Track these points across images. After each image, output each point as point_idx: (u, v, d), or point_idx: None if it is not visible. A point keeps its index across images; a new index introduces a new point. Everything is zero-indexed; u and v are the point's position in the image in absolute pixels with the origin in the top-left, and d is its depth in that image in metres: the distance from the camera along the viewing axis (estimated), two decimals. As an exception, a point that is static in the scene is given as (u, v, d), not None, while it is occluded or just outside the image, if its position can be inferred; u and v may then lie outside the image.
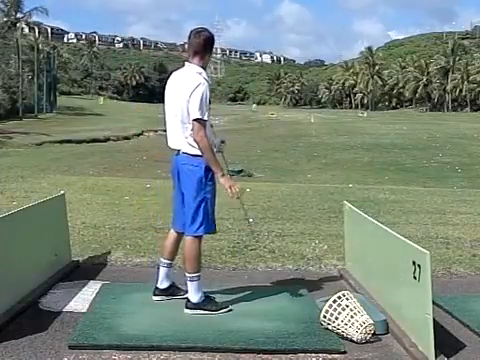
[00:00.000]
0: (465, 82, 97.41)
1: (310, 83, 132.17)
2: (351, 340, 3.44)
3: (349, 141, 33.01)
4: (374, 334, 3.49)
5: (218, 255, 5.39)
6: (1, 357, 3.12)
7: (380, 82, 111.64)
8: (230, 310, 3.86)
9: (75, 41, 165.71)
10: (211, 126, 3.90)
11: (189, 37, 3.85)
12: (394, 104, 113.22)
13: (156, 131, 41.14)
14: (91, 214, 7.23)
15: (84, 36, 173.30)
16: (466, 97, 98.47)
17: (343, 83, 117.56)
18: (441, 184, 17.26)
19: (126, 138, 35.92)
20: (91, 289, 4.33)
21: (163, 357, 3.20)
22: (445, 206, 8.86)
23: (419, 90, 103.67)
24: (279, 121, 55.07)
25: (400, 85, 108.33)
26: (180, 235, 3.99)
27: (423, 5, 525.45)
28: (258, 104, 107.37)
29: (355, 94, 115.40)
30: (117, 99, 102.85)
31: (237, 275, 4.94)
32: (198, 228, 3.81)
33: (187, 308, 3.85)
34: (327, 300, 3.61)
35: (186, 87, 3.72)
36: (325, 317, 3.54)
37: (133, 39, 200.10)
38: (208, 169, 3.77)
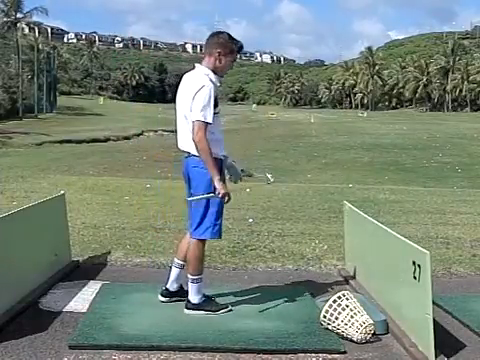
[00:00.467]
0: (465, 82, 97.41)
1: (310, 83, 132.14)
2: (351, 340, 3.44)
3: (349, 141, 33.01)
4: (374, 334, 3.49)
5: (218, 255, 5.39)
6: (1, 357, 3.12)
7: (380, 82, 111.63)
8: (230, 310, 3.86)
9: (75, 41, 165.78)
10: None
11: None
12: (394, 104, 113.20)
13: (156, 131, 41.22)
14: (91, 214, 7.23)
15: (84, 36, 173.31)
16: (466, 97, 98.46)
17: (343, 83, 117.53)
18: (441, 184, 17.26)
19: (126, 138, 35.96)
20: (91, 289, 4.33)
21: (163, 357, 3.19)
22: (445, 206, 8.86)
23: (419, 90, 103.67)
24: (279, 121, 55.09)
25: (400, 85, 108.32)
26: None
27: (423, 5, 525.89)
28: (258, 104, 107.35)
29: (355, 94, 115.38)
30: (117, 99, 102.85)
31: (237, 275, 4.94)
32: (203, 232, 3.77)
33: (187, 308, 3.84)
34: (327, 300, 3.61)
35: (191, 88, 3.69)
36: (325, 317, 3.53)
37: (133, 39, 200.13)
38: (218, 173, 3.73)
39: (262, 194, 9.76)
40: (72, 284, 4.45)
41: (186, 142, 3.78)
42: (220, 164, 3.79)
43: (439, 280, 4.75)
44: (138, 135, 38.81)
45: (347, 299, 3.55)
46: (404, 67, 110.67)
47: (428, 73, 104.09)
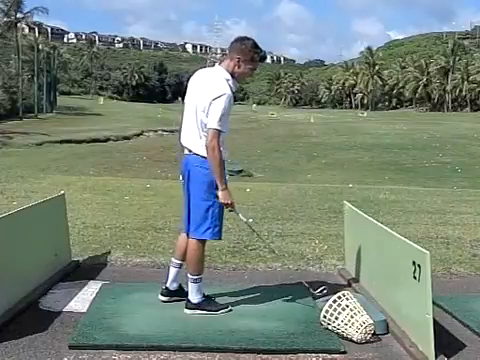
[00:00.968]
0: (465, 82, 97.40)
1: (310, 83, 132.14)
2: (351, 340, 3.44)
3: (349, 141, 33.03)
4: (374, 334, 3.49)
5: (218, 255, 5.39)
6: (1, 357, 3.12)
7: (380, 82, 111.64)
8: (230, 310, 3.86)
9: (75, 41, 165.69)
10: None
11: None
12: (394, 104, 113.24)
13: (156, 131, 41.17)
14: (91, 214, 7.23)
15: (84, 36, 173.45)
16: (466, 97, 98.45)
17: (343, 83, 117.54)
18: (441, 184, 17.26)
19: (126, 138, 35.93)
20: (91, 289, 4.33)
21: (163, 357, 3.19)
22: (445, 206, 8.86)
23: (419, 90, 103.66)
24: (279, 121, 55.09)
25: (400, 85, 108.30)
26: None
27: (422, 5, 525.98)
28: (258, 104, 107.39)
29: (355, 94, 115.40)
30: (117, 99, 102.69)
31: (237, 275, 4.94)
32: (204, 232, 3.76)
33: (187, 308, 3.84)
34: (327, 300, 3.61)
35: (210, 91, 3.64)
36: (325, 317, 3.53)
37: (133, 39, 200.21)
38: (224, 183, 3.72)
39: (262, 194, 9.76)
40: (72, 284, 4.45)
41: (191, 139, 3.75)
42: (224, 165, 3.79)
43: (439, 280, 4.75)
44: (138, 135, 38.77)
45: (347, 299, 3.55)
46: (404, 67, 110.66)
47: (428, 73, 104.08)
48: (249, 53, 3.74)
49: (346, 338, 3.46)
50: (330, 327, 3.53)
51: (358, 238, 4.59)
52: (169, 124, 39.29)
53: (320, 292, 3.93)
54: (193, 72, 4.02)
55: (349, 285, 4.56)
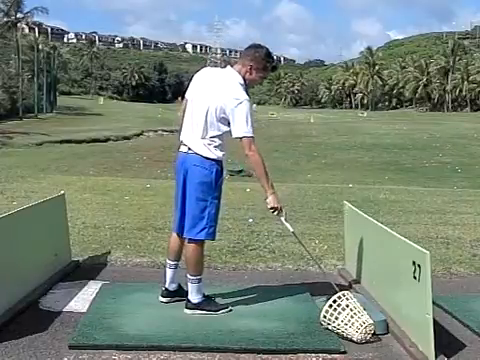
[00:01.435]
0: (465, 82, 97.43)
1: (310, 83, 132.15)
2: (351, 340, 3.44)
3: (349, 141, 33.03)
4: (374, 334, 3.48)
5: (218, 255, 5.39)
6: (1, 357, 3.12)
7: (380, 82, 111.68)
8: (230, 310, 3.86)
9: (75, 41, 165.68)
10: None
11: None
12: (394, 104, 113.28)
13: (156, 131, 41.17)
14: (91, 214, 7.23)
15: (84, 36, 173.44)
16: (466, 97, 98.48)
17: (343, 83, 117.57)
18: (441, 184, 17.26)
19: (126, 138, 35.92)
20: (91, 289, 4.33)
21: (163, 357, 3.19)
22: (445, 206, 8.85)
23: (419, 90, 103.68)
24: (279, 121, 55.10)
25: (400, 85, 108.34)
26: (180, 235, 3.96)
27: (422, 5, 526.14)
28: (258, 104, 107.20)
29: (355, 94, 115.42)
30: (117, 99, 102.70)
31: (237, 275, 4.94)
32: (199, 232, 3.74)
33: (187, 308, 3.84)
34: (327, 300, 3.61)
35: (227, 97, 3.62)
36: (325, 317, 3.53)
37: (133, 39, 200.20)
38: (219, 174, 3.72)
39: (262, 194, 9.74)
40: (72, 284, 4.45)
41: (192, 137, 3.73)
42: (222, 165, 3.78)
43: (439, 280, 4.75)
44: (138, 135, 38.76)
45: (347, 299, 3.55)
46: (404, 67, 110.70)
47: (428, 73, 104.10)
48: (262, 61, 3.76)
49: (346, 338, 3.46)
50: (330, 327, 3.53)
51: (358, 238, 4.59)
52: (169, 124, 39.28)
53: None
54: (195, 72, 4.00)
55: (349, 285, 4.56)
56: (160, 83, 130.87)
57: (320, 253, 5.59)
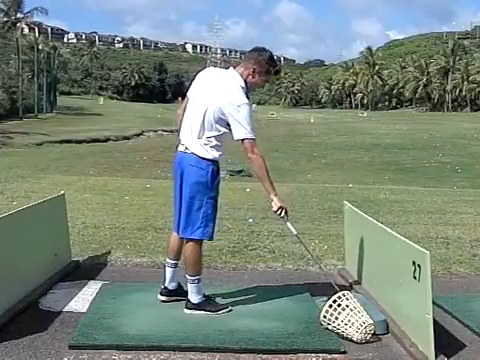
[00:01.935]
0: (465, 82, 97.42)
1: (310, 83, 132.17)
2: (351, 340, 3.44)
3: (349, 141, 33.04)
4: (374, 334, 3.48)
5: (218, 255, 5.39)
6: (1, 357, 3.12)
7: (380, 82, 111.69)
8: (230, 310, 3.86)
9: (75, 41, 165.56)
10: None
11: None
12: (394, 104, 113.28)
13: (156, 131, 41.20)
14: (91, 214, 7.23)
15: (84, 36, 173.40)
16: (466, 97, 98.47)
17: (343, 83, 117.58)
18: (441, 184, 17.27)
19: (126, 138, 35.94)
20: (91, 289, 4.33)
21: (163, 357, 3.19)
22: (445, 206, 8.86)
23: (419, 90, 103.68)
24: (279, 121, 55.11)
25: (400, 85, 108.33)
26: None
27: (421, 5, 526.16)
28: (258, 104, 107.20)
29: (355, 94, 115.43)
30: (117, 99, 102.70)
31: (237, 275, 4.93)
32: (194, 231, 3.74)
33: (187, 308, 3.84)
34: (327, 300, 3.61)
35: (227, 99, 3.63)
36: (325, 317, 3.53)
37: (133, 39, 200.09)
38: (215, 174, 3.72)
39: (262, 194, 9.73)
40: (72, 284, 4.45)
41: (190, 137, 3.73)
42: (218, 165, 3.79)
43: (439, 280, 4.75)
44: (138, 135, 38.78)
45: (347, 299, 3.55)
46: (404, 67, 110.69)
47: (428, 73, 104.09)
48: (265, 65, 3.77)
49: (346, 338, 3.46)
50: (330, 327, 3.53)
51: (358, 238, 4.59)
52: (169, 124, 39.22)
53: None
54: (195, 72, 4.01)
55: (349, 285, 4.56)
56: (160, 83, 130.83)
57: (320, 253, 5.59)
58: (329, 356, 3.26)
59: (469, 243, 6.16)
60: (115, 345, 3.27)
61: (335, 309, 3.51)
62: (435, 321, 3.25)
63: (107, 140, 33.95)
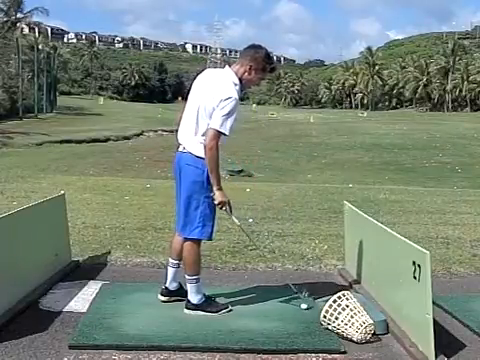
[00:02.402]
0: (465, 82, 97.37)
1: (310, 83, 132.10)
2: (351, 340, 3.44)
3: (349, 141, 33.04)
4: (374, 334, 3.49)
5: (218, 255, 5.39)
6: (1, 357, 3.12)
7: (380, 82, 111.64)
8: (230, 310, 3.86)
9: (75, 41, 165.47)
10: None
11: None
12: (394, 104, 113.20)
13: (156, 131, 41.20)
14: (91, 214, 7.23)
15: (84, 36, 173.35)
16: (466, 97, 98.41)
17: (343, 83, 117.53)
18: (441, 184, 17.28)
19: (126, 138, 35.93)
20: (91, 289, 4.33)
21: (163, 357, 3.19)
22: (445, 206, 8.86)
23: (419, 90, 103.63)
24: (279, 121, 55.10)
25: (400, 85, 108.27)
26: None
27: (421, 5, 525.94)
28: (258, 104, 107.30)
29: (355, 94, 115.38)
30: (117, 99, 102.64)
31: (237, 275, 4.94)
32: (192, 231, 3.76)
33: (187, 308, 3.84)
34: (327, 300, 3.61)
35: (217, 92, 3.65)
36: (325, 317, 3.53)
37: (133, 39, 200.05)
38: (219, 182, 3.72)
39: (262, 194, 9.77)
40: (72, 284, 4.45)
41: (186, 136, 3.76)
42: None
43: (439, 280, 4.75)
44: (138, 135, 38.77)
45: (347, 299, 3.55)
46: (404, 67, 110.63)
47: (428, 73, 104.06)
48: (262, 62, 3.78)
49: (346, 338, 3.46)
50: (330, 327, 3.53)
51: (358, 238, 4.59)
52: (169, 124, 39.23)
53: (300, 292, 3.96)
54: (195, 72, 4.04)
55: (349, 285, 4.56)
56: (160, 83, 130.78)
57: (320, 253, 5.59)
58: (329, 356, 3.26)
59: (469, 243, 6.16)
60: (115, 345, 3.27)
61: (335, 309, 3.51)
62: (435, 321, 3.25)
63: (107, 140, 33.94)
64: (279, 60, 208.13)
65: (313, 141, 33.56)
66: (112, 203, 8.28)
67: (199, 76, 3.91)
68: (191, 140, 3.73)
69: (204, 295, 3.88)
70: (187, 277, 3.82)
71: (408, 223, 7.19)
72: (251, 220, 7.03)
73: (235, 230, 6.38)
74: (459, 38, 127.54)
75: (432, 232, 6.64)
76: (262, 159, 25.46)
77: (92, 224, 6.60)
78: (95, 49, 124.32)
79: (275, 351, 3.27)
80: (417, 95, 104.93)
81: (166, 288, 4.03)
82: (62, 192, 5.26)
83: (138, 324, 3.59)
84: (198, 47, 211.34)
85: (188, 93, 3.93)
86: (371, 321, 3.47)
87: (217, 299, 3.97)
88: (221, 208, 3.78)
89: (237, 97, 3.65)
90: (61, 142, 30.94)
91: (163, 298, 4.02)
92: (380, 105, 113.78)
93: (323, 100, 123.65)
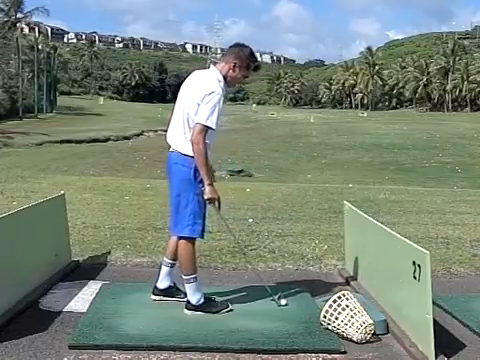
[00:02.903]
0: (465, 82, 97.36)
1: (310, 83, 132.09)
2: (351, 340, 3.44)
3: (349, 141, 33.04)
4: (374, 334, 3.49)
5: (218, 255, 5.39)
6: (1, 357, 3.12)
7: (380, 82, 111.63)
8: (231, 310, 3.86)
9: (75, 41, 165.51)
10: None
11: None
12: (394, 104, 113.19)
13: (156, 131, 41.18)
14: (91, 214, 7.23)
15: (84, 36, 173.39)
16: (466, 97, 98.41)
17: (343, 83, 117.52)
18: (441, 184, 17.29)
19: (126, 138, 35.96)
20: (91, 289, 4.33)
21: (163, 357, 3.20)
22: (445, 206, 8.86)
23: (419, 90, 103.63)
24: (279, 121, 55.09)
25: (400, 85, 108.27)
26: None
27: (420, 5, 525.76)
28: (258, 104, 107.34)
29: (355, 94, 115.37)
30: (117, 99, 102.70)
31: (237, 275, 4.94)
32: (182, 229, 3.78)
33: (187, 309, 3.84)
34: (327, 300, 3.61)
35: (200, 89, 3.70)
36: (325, 317, 3.54)
37: (133, 39, 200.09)
38: (198, 171, 3.73)
39: (262, 194, 9.77)
40: (72, 284, 4.45)
41: (174, 136, 3.83)
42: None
43: (439, 280, 4.75)
44: (138, 135, 38.79)
45: (347, 299, 3.55)
46: (404, 67, 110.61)
47: (428, 73, 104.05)
48: (246, 60, 3.84)
49: (346, 338, 3.46)
50: (330, 327, 3.53)
51: (358, 238, 4.59)
52: (169, 124, 39.16)
53: (279, 298, 3.97)
54: (192, 72, 4.06)
55: (349, 285, 4.56)
56: (160, 83, 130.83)
57: (320, 253, 5.59)
58: (329, 356, 3.26)
59: (469, 243, 6.16)
60: (115, 345, 3.27)
61: (335, 309, 3.51)
62: (435, 321, 3.25)
63: (107, 140, 33.96)
64: (279, 60, 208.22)
65: (313, 141, 33.57)
66: (112, 203, 8.28)
67: (188, 78, 3.97)
68: (178, 139, 3.78)
69: (204, 295, 3.88)
70: (184, 277, 3.83)
71: (408, 223, 7.19)
72: (251, 220, 7.03)
73: (235, 230, 6.37)
74: (459, 38, 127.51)
75: (432, 232, 6.65)
76: (262, 159, 25.46)
77: (92, 224, 6.60)
78: (95, 49, 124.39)
79: (275, 351, 3.27)
80: (417, 95, 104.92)
81: (155, 287, 4.06)
82: (62, 192, 5.26)
83: (138, 324, 3.59)
84: (198, 47, 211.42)
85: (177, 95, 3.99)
86: (371, 321, 3.47)
87: (217, 299, 3.97)
88: (210, 203, 3.80)
89: (221, 92, 3.70)
90: (61, 142, 30.94)
91: (155, 297, 4.05)
92: (380, 105, 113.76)
93: (323, 100, 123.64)
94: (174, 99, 4.00)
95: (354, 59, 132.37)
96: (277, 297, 4.00)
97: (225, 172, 18.75)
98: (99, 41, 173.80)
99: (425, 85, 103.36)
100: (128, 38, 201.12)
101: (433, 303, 3.19)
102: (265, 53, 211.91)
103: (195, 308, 3.81)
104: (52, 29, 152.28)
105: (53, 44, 75.66)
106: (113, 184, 10.92)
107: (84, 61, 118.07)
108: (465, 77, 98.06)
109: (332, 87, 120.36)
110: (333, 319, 3.50)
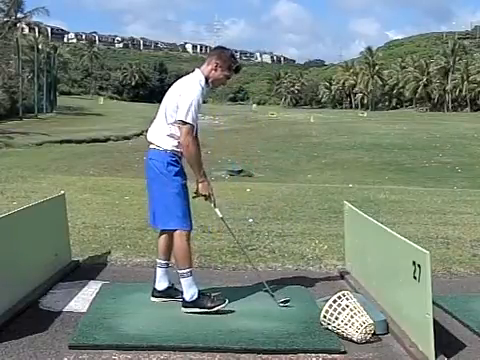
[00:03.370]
0: (465, 82, 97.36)
1: (310, 83, 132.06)
2: (351, 340, 3.44)
3: (349, 141, 33.02)
4: (374, 334, 3.49)
5: (218, 255, 5.39)
6: (1, 357, 3.12)
7: (380, 82, 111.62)
8: (226, 304, 3.84)
9: (75, 41, 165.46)
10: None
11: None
12: (394, 104, 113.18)
13: (156, 131, 41.11)
14: (91, 214, 7.23)
15: (84, 36, 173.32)
16: (466, 97, 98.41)
17: (343, 83, 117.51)
18: (441, 184, 17.28)
19: (126, 138, 35.92)
20: (91, 289, 4.33)
21: (163, 357, 3.20)
22: (445, 206, 8.86)
23: (419, 90, 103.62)
24: (279, 121, 55.04)
25: (400, 85, 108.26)
26: (163, 232, 4.03)
27: (420, 5, 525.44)
28: (258, 104, 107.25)
29: (355, 94, 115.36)
30: (117, 99, 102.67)
31: (237, 275, 4.94)
32: (168, 222, 3.87)
33: (183, 307, 3.85)
34: (327, 300, 3.61)
35: (180, 87, 3.87)
36: (325, 317, 3.53)
37: (133, 39, 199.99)
38: (174, 165, 3.84)
39: (262, 194, 9.77)
40: (72, 284, 4.45)
41: (152, 133, 4.00)
42: (178, 156, 3.90)
43: (439, 280, 4.75)
44: (138, 135, 38.69)
45: (347, 299, 3.55)
46: (404, 67, 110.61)
47: (428, 73, 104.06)
48: (228, 61, 3.98)
49: (346, 338, 3.46)
50: (330, 327, 3.53)
51: (358, 238, 4.59)
52: (169, 124, 39.12)
53: (283, 302, 3.97)
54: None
55: (349, 285, 4.56)
56: (160, 83, 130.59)
57: (320, 253, 5.59)
58: (329, 356, 3.26)
59: (469, 243, 6.16)
60: (115, 345, 3.27)
61: (335, 309, 3.51)
62: (435, 321, 3.25)
63: (107, 140, 33.94)
64: (279, 60, 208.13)
65: (313, 141, 33.55)
66: (112, 203, 8.28)
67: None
68: (156, 134, 3.93)
69: (199, 291, 3.88)
70: (179, 272, 3.85)
71: (408, 223, 7.19)
72: (251, 220, 7.03)
73: (235, 230, 6.37)
74: (459, 38, 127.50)
75: (432, 232, 6.65)
76: (262, 159, 25.46)
77: (92, 224, 6.60)
78: (95, 49, 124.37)
79: (275, 351, 3.27)
80: (417, 95, 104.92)
81: (154, 289, 4.08)
82: (62, 192, 5.27)
83: (138, 324, 3.59)
84: (198, 47, 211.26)
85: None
86: (371, 321, 3.47)
87: (213, 294, 3.97)
88: (206, 200, 3.93)
89: (199, 89, 3.82)
90: (61, 142, 30.92)
91: (154, 299, 4.06)
92: (380, 105, 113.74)
93: (323, 100, 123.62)
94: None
95: (354, 59, 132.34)
96: (280, 301, 3.98)
97: (225, 172, 18.73)
98: (99, 41, 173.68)
99: (425, 85, 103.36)
100: (128, 38, 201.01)
101: (433, 303, 3.19)
102: (265, 53, 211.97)
103: (190, 304, 3.82)
104: (52, 29, 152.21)
105: (53, 44, 75.58)
106: (113, 184, 10.92)
107: (84, 61, 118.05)
108: (465, 77, 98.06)
109: (332, 87, 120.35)
110: (333, 319, 3.50)
